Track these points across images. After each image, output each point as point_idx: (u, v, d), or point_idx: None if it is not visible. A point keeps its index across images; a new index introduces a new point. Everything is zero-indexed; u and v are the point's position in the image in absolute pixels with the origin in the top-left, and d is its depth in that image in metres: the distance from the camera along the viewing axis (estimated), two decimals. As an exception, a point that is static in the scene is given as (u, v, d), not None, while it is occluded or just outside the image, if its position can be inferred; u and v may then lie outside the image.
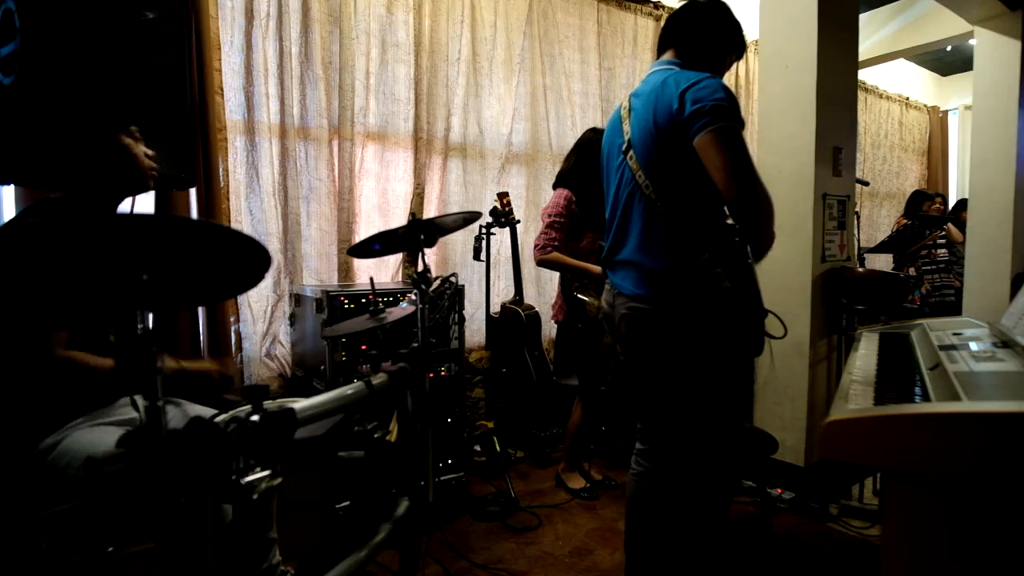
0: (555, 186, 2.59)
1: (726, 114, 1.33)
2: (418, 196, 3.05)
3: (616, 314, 1.57)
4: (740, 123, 1.36)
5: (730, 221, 1.44)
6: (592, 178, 2.50)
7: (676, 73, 1.44)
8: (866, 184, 3.30)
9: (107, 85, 1.65)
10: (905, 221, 4.33)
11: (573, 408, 2.63)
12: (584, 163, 2.50)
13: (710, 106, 1.33)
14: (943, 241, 4.20)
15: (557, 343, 2.87)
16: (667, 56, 1.57)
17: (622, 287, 1.54)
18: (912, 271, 4.23)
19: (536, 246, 2.45)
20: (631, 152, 1.50)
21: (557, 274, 2.65)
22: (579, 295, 2.46)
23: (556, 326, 2.74)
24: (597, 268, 2.43)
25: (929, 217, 4.15)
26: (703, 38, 1.54)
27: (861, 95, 5.59)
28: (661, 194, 1.44)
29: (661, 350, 1.49)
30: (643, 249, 1.48)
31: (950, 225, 4.19)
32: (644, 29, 3.97)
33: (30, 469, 1.23)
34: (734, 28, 1.57)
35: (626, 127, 1.54)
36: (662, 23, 3.93)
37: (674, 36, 1.57)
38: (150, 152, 1.44)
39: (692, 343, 1.44)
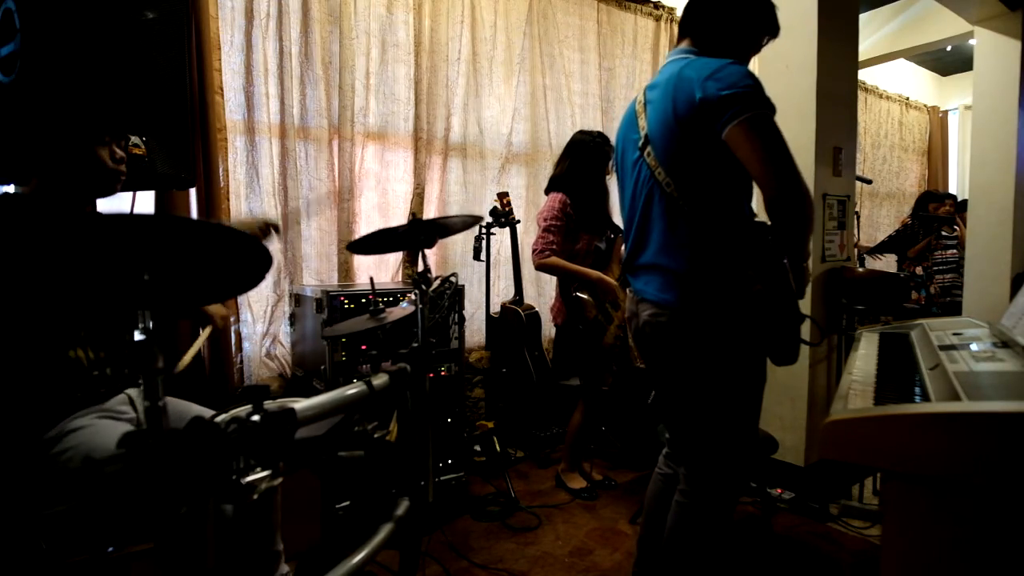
0: (547, 190, 2.60)
1: (756, 101, 1.22)
2: (418, 196, 3.05)
3: (640, 320, 1.48)
4: (771, 109, 1.25)
5: (759, 219, 1.36)
6: (585, 181, 2.52)
7: (693, 61, 1.34)
8: (868, 182, 3.29)
9: (99, 84, 1.65)
10: (906, 220, 4.33)
11: (575, 409, 2.63)
12: (576, 166, 2.53)
13: (738, 93, 1.22)
14: (953, 241, 4.18)
15: (556, 345, 2.88)
16: (683, 45, 1.47)
17: (645, 292, 1.45)
18: (920, 270, 4.21)
19: (534, 251, 2.46)
20: (648, 148, 1.39)
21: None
22: (578, 295, 2.47)
23: (555, 329, 2.74)
24: (596, 274, 2.44)
25: (929, 217, 4.15)
26: (719, 24, 1.42)
27: (861, 95, 5.59)
28: (683, 191, 1.34)
29: (688, 357, 1.40)
30: (666, 251, 1.39)
31: (960, 224, 4.16)
32: (644, 29, 3.97)
33: (31, 466, 1.23)
34: (756, 8, 1.44)
35: (642, 122, 1.43)
36: (662, 23, 3.97)
37: (690, 23, 1.47)
38: (119, 153, 1.41)
39: (721, 349, 1.36)
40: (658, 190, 1.39)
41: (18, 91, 1.56)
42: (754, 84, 1.25)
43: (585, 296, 2.46)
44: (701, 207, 1.34)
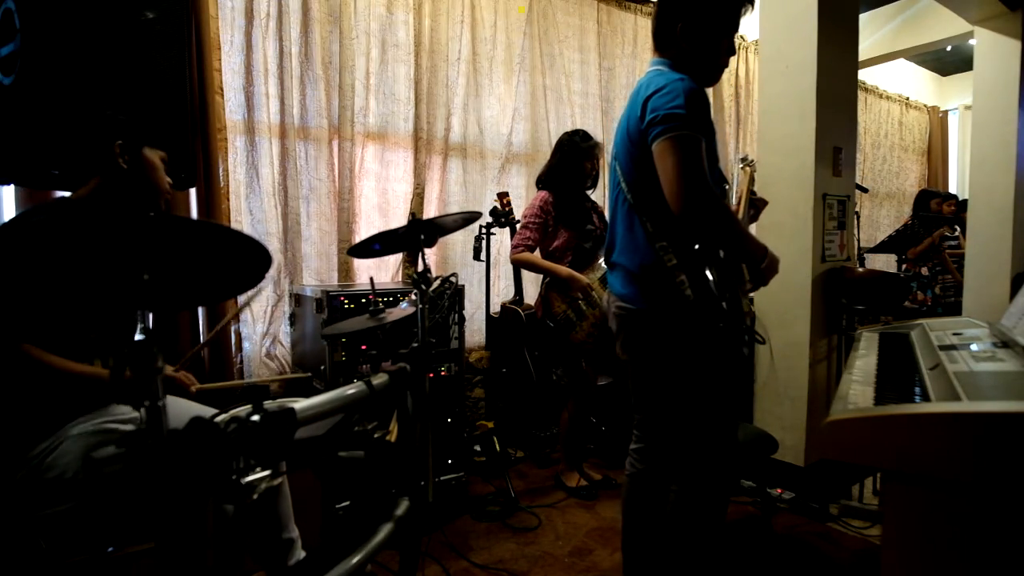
0: (538, 189, 2.67)
1: (680, 123, 1.31)
2: (418, 196, 3.04)
3: (610, 311, 1.62)
4: (697, 131, 1.32)
5: None
6: (564, 178, 2.58)
7: (653, 77, 1.43)
8: (865, 191, 3.30)
9: (107, 85, 1.65)
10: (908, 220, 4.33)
11: (564, 408, 2.65)
12: (559, 165, 2.59)
13: (662, 115, 1.32)
14: (955, 241, 4.18)
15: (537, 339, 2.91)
16: (655, 56, 1.55)
17: (613, 285, 1.59)
18: (925, 271, 4.20)
19: (512, 246, 2.54)
20: (617, 158, 1.53)
21: None
22: (548, 293, 2.52)
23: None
24: (566, 270, 2.46)
25: (931, 217, 4.15)
26: (677, 33, 1.46)
27: (861, 95, 5.59)
28: (638, 200, 1.47)
29: (643, 348, 1.53)
30: (626, 251, 1.53)
31: (961, 236, 4.17)
32: (644, 29, 3.96)
33: (27, 473, 1.23)
34: (713, 12, 1.45)
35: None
36: (662, 23, 3.97)
37: (655, 35, 1.54)
38: (169, 180, 1.48)
39: (667, 344, 1.48)
40: (622, 196, 1.52)
41: (26, 92, 1.56)
42: (684, 105, 1.32)
43: (554, 294, 2.49)
44: (653, 215, 1.45)
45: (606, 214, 2.51)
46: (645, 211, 1.46)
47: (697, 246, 1.44)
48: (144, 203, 1.44)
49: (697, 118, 1.33)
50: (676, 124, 1.31)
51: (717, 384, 1.51)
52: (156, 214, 0.80)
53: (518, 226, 2.56)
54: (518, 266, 2.59)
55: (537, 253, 2.57)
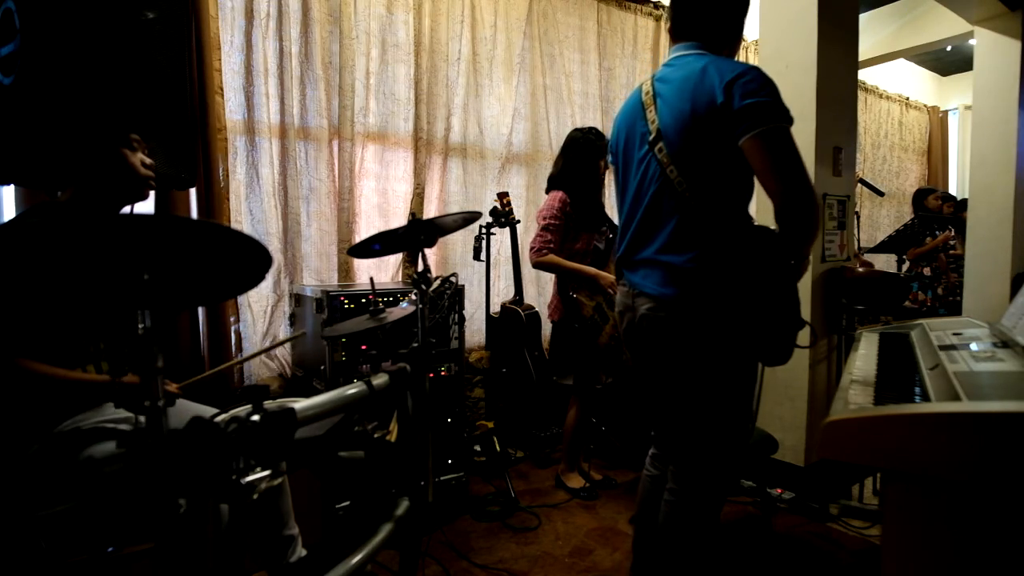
0: (547, 190, 2.61)
1: (774, 114, 1.26)
2: (418, 196, 3.05)
3: (636, 314, 1.48)
4: (789, 120, 1.28)
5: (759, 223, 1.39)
6: (581, 177, 2.53)
7: (714, 60, 1.34)
8: (881, 194, 3.28)
9: (107, 86, 1.65)
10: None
11: (569, 408, 2.64)
12: (573, 165, 2.53)
13: (758, 104, 1.25)
14: (954, 241, 4.18)
15: (552, 342, 2.88)
16: (684, 43, 1.46)
17: (644, 286, 1.44)
18: (928, 271, 4.20)
19: (532, 249, 2.46)
20: (660, 144, 1.37)
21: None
22: (575, 295, 2.47)
23: (551, 325, 2.75)
24: (592, 270, 2.44)
25: (932, 217, 4.15)
26: (720, 22, 1.43)
27: (861, 95, 5.59)
28: (695, 190, 1.34)
29: (683, 351, 1.40)
30: (673, 248, 1.38)
31: (959, 242, 4.17)
32: (644, 29, 3.97)
33: (25, 471, 1.23)
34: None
35: (651, 115, 1.41)
36: (662, 23, 3.97)
37: (692, 27, 1.45)
38: (148, 160, 1.44)
39: (716, 346, 1.37)
40: (669, 188, 1.37)
41: (26, 92, 1.56)
42: (774, 94, 1.27)
43: (583, 297, 2.46)
44: (711, 207, 1.34)
45: (613, 213, 2.49)
46: (704, 203, 1.34)
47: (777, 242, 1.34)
48: (128, 197, 1.44)
49: (785, 107, 1.28)
50: (772, 116, 1.25)
51: (752, 382, 1.46)
52: (156, 214, 0.80)
53: (537, 228, 2.49)
54: (542, 269, 2.53)
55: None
